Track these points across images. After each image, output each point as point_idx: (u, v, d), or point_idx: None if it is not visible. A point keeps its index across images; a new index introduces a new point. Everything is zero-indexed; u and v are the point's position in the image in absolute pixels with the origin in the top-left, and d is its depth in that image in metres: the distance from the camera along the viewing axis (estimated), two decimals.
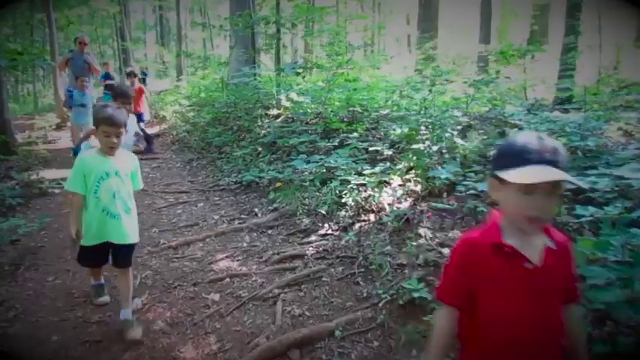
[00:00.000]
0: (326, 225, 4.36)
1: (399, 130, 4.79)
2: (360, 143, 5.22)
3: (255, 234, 4.47)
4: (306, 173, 5.26)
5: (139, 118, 8.60)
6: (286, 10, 9.56)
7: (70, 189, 2.79)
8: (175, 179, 6.56)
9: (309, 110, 6.74)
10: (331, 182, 4.79)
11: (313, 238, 4.21)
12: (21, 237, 4.21)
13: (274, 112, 8.26)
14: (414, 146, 4.77)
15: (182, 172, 6.90)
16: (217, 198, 5.59)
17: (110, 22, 24.99)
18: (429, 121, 4.65)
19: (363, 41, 12.67)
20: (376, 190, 4.40)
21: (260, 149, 6.34)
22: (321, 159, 5.23)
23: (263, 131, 7.25)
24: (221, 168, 6.48)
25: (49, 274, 3.71)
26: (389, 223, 3.99)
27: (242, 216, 4.94)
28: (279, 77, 8.24)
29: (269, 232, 4.49)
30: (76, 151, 6.37)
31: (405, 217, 4.01)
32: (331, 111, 6.49)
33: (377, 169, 4.52)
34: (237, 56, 10.69)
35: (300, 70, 7.02)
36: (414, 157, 4.57)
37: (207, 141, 7.82)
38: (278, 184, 5.39)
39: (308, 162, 5.28)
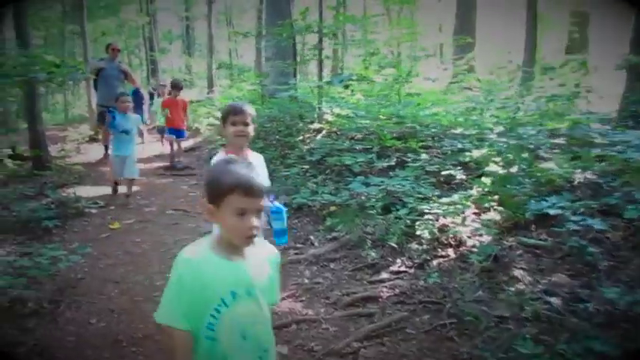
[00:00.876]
0: (398, 260, 3.84)
1: (475, 151, 4.26)
2: (429, 165, 4.71)
3: (315, 268, 3.98)
4: (363, 197, 4.77)
5: (179, 134, 8.24)
6: (325, 20, 9.15)
7: (165, 322, 1.41)
8: None
9: (359, 125, 6.26)
10: (397, 209, 4.28)
11: (385, 275, 3.70)
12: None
13: (315, 126, 7.82)
14: (492, 170, 4.24)
15: None
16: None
17: (138, 32, 25.11)
18: (514, 142, 4.11)
19: (421, 51, 12.13)
20: (455, 220, 3.88)
21: (307, 168, 5.87)
22: (382, 181, 4.73)
23: (306, 147, 6.81)
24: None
25: (92, 315, 3.28)
26: (475, 262, 3.46)
27: (297, 245, 4.47)
28: (321, 90, 7.79)
29: (331, 265, 4.00)
30: (116, 186, 6.15)
31: (493, 255, 3.48)
32: (379, 126, 6.01)
33: (455, 196, 4.00)
34: (275, 67, 10.32)
35: (349, 83, 6.57)
36: (495, 183, 4.03)
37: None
38: (333, 208, 4.91)
39: (367, 184, 4.79)
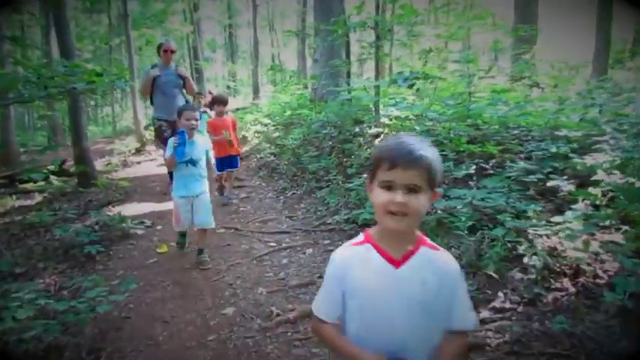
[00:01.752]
0: (499, 293, 3.12)
1: (588, 159, 3.47)
2: (521, 173, 3.94)
3: None
4: (442, 212, 4.06)
5: (231, 164, 6.16)
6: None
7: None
8: (270, 214, 5.57)
9: (427, 128, 5.54)
10: (489, 228, 3.56)
11: (486, 313, 2.98)
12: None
13: (373, 130, 7.17)
14: (601, 178, 3.44)
15: (276, 205, 5.92)
16: (328, 241, 4.50)
17: (182, 42, 25.28)
18: None
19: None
20: (568, 242, 3.12)
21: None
22: (465, 194, 4.01)
23: (364, 154, 6.15)
24: (324, 201, 5.41)
25: None
26: (608, 299, 2.69)
27: None
28: (379, 90, 7.13)
29: None
30: (182, 239, 4.48)
31: (629, 293, 2.70)
32: (448, 128, 5.26)
33: (569, 213, 3.22)
34: (326, 69, 9.73)
35: (414, 82, 5.89)
36: (619, 196, 3.23)
37: (300, 166, 6.82)
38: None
39: (447, 197, 4.07)
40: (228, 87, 27.41)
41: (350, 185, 5.12)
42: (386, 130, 6.70)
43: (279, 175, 7.17)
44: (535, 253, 3.13)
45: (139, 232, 5.04)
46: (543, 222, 3.33)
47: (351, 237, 4.24)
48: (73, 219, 5.48)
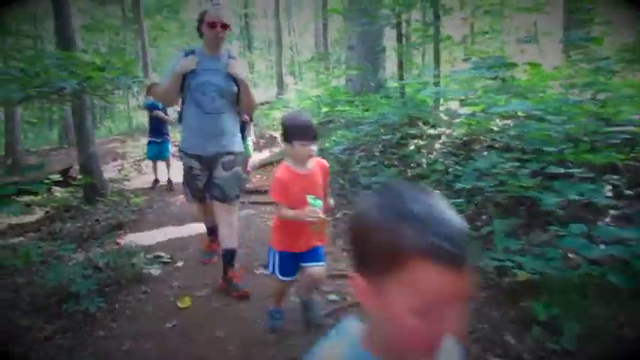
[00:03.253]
0: None
1: None
2: None
3: None
4: (584, 261, 2.82)
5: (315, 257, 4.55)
6: None
7: None
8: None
9: (514, 130, 4.27)
10: None
11: None
12: None
13: (431, 131, 5.94)
14: None
15: (329, 236, 4.71)
16: None
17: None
18: None
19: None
20: None
21: (454, 199, 3.95)
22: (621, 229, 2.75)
23: (427, 160, 4.95)
24: None
25: None
26: None
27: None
28: (438, 82, 5.88)
29: None
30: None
31: None
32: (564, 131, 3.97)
33: None
34: (362, 57, 8.48)
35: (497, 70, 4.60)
36: None
37: (349, 177, 5.63)
38: (522, 277, 2.99)
39: (587, 236, 2.82)
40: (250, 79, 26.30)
41: None
42: (456, 132, 5.46)
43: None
44: None
45: (154, 272, 3.90)
46: None
47: None
48: (73, 250, 4.36)
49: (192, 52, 3.26)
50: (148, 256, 4.19)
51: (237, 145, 3.45)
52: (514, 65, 4.58)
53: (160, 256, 4.21)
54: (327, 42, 20.94)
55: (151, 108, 6.96)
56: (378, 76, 8.70)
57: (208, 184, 3.46)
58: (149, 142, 7.17)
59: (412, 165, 5.53)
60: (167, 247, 4.49)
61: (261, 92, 20.88)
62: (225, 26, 3.19)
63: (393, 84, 8.52)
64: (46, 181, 6.39)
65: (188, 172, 3.47)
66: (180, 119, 3.47)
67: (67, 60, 3.57)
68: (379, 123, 5.80)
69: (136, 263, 3.94)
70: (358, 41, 8.52)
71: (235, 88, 3.26)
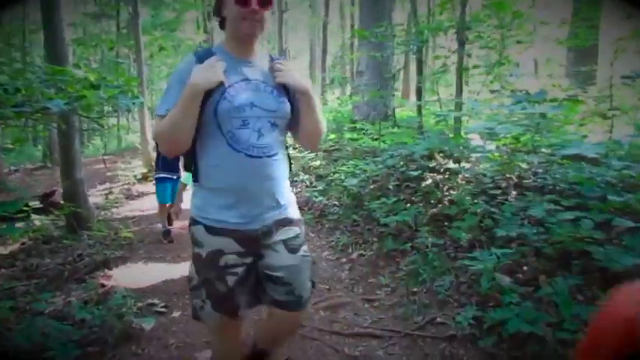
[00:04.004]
0: None
1: None
2: None
3: None
4: None
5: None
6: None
7: None
8: (337, 291, 3.83)
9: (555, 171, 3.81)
10: None
11: None
12: None
13: (450, 164, 5.49)
14: None
15: (340, 274, 4.18)
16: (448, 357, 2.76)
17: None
18: None
19: None
20: None
21: (499, 256, 3.42)
22: None
23: (466, 202, 4.46)
24: (418, 276, 3.66)
25: None
26: None
27: None
28: (460, 108, 5.46)
29: None
30: None
31: None
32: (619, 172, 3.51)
33: None
34: (371, 83, 8.09)
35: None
36: None
37: (363, 212, 5.11)
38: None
39: None
40: None
41: (457, 256, 3.38)
42: (481, 167, 5.00)
43: (332, 221, 5.42)
44: None
45: (147, 325, 3.30)
46: None
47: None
48: (51, 295, 3.75)
49: (211, 52, 1.81)
50: (139, 303, 3.59)
51: (295, 208, 2.06)
52: (556, 100, 4.16)
53: (153, 304, 3.62)
54: (326, 66, 20.76)
55: None
56: (388, 104, 8.29)
57: (252, 281, 1.92)
58: (160, 180, 5.33)
59: (432, 202, 5.04)
60: (161, 291, 3.90)
61: None
62: (265, 2, 1.74)
63: (402, 113, 8.12)
64: (25, 207, 5.79)
65: (210, 263, 1.83)
66: (190, 168, 1.90)
67: (54, 75, 3.04)
68: (396, 154, 5.31)
69: (124, 314, 3.34)
70: (368, 66, 8.14)
71: (289, 109, 1.88)
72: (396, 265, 4.10)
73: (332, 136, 7.55)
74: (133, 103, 3.22)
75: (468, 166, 5.61)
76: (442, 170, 5.84)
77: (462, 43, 5.43)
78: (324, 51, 20.28)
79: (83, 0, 21.49)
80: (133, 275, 4.27)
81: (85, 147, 17.17)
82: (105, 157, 13.68)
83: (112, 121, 23.17)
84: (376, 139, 7.12)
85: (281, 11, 13.17)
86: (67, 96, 2.85)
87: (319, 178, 6.80)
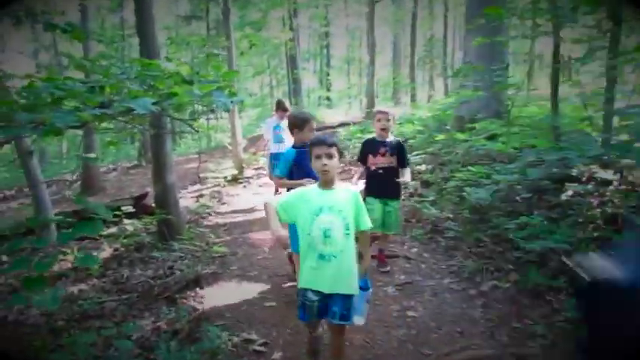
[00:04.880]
0: None
1: None
2: None
3: None
4: None
5: None
6: None
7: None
8: (471, 337, 3.03)
9: None
10: None
11: None
12: None
13: (609, 175, 4.48)
14: None
15: (472, 312, 3.36)
16: None
17: (278, 51, 23.70)
18: None
19: None
20: None
21: None
22: None
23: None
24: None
25: None
26: None
27: None
28: (611, 111, 4.37)
29: None
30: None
31: None
32: None
33: None
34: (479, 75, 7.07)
35: None
36: None
37: (491, 230, 4.24)
38: None
39: None
40: (327, 98, 25.48)
41: None
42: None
43: (448, 239, 4.59)
44: None
45: None
46: None
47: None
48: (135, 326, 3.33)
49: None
50: (234, 337, 3.05)
51: None
52: None
53: (250, 340, 3.05)
54: (415, 60, 19.65)
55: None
56: (500, 99, 7.25)
57: None
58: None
59: (580, 220, 4.05)
60: (259, 321, 3.33)
61: (341, 113, 19.93)
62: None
63: (519, 109, 7.04)
64: (117, 212, 5.58)
65: None
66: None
67: (145, 70, 2.55)
68: (527, 160, 4.36)
69: (217, 352, 2.80)
70: (478, 56, 7.15)
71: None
72: (547, 306, 3.21)
73: (440, 137, 6.65)
74: (232, 102, 2.65)
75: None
76: (584, 179, 4.80)
77: (617, 20, 4.35)
78: (413, 44, 19.20)
79: (175, 3, 22.25)
80: (226, 296, 3.76)
81: (176, 145, 17.58)
82: (194, 155, 13.77)
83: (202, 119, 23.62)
84: (490, 139, 6.16)
85: (372, 2, 12.34)
86: (156, 94, 2.33)
87: (425, 184, 5.97)
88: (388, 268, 4.05)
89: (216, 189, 7.76)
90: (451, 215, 4.96)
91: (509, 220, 4.10)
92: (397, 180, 3.80)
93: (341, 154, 2.43)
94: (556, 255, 3.56)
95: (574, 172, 4.52)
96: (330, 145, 2.29)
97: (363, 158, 3.97)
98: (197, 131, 4.04)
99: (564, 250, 3.47)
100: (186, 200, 7.28)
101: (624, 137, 4.36)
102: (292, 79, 21.35)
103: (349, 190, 2.39)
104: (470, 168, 4.96)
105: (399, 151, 3.88)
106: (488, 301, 3.46)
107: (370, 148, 3.92)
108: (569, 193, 4.64)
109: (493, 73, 6.55)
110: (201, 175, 8.50)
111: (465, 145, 6.12)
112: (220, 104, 2.61)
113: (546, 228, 3.74)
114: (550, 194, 4.60)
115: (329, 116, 18.38)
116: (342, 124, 14.68)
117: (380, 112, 3.92)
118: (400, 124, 8.81)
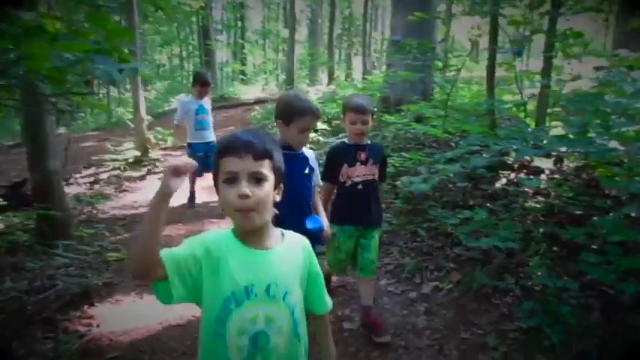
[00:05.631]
0: None
1: None
2: None
3: None
4: None
5: None
6: None
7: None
8: (406, 345, 2.65)
9: None
10: None
11: None
12: None
13: (543, 163, 4.37)
14: None
15: (416, 322, 2.97)
16: None
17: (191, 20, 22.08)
18: None
19: None
20: None
21: None
22: None
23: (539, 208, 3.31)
24: (555, 349, 2.47)
25: None
26: None
27: None
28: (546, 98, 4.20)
29: None
30: None
31: None
32: None
33: None
34: (406, 57, 6.77)
35: None
36: None
37: (429, 227, 3.92)
38: None
39: None
40: (242, 72, 24.34)
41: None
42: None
43: (383, 232, 4.20)
44: None
45: None
46: None
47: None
48: None
49: None
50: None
51: None
52: None
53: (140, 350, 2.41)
54: (333, 37, 19.22)
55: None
56: (426, 80, 7.01)
57: None
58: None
59: (514, 206, 3.86)
60: (163, 351, 2.69)
61: (254, 89, 19.04)
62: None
63: (441, 93, 6.84)
64: None
65: None
66: None
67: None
68: (468, 147, 4.07)
69: None
70: (407, 33, 6.82)
71: None
72: (496, 310, 2.91)
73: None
74: (121, 71, 1.95)
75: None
76: (517, 167, 4.65)
77: (557, 2, 4.14)
78: (332, 20, 18.72)
79: None
80: (123, 316, 3.05)
81: (71, 121, 15.70)
82: (91, 133, 12.33)
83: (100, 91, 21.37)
84: (417, 121, 5.89)
85: None
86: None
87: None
88: (389, 338, 2.72)
89: (114, 173, 6.77)
90: (383, 205, 4.58)
91: (446, 212, 3.79)
92: (378, 199, 2.85)
93: (280, 180, 1.29)
94: (501, 252, 3.29)
95: (510, 160, 4.32)
96: (261, 157, 1.21)
97: (333, 172, 2.69)
98: (71, 110, 3.20)
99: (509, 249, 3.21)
100: (78, 187, 6.24)
101: (558, 124, 4.23)
102: (204, 51, 20.01)
103: (298, 243, 1.34)
104: (403, 154, 4.59)
105: (382, 160, 2.87)
106: (431, 306, 3.10)
107: (345, 155, 2.69)
108: (503, 181, 4.46)
109: (424, 52, 6.26)
110: (96, 158, 7.40)
111: (393, 128, 5.77)
112: (103, 73, 1.90)
113: (488, 222, 3.46)
114: (485, 183, 4.39)
115: (244, 92, 17.46)
116: (259, 101, 13.94)
117: (355, 108, 2.59)
118: (322, 103, 8.32)
